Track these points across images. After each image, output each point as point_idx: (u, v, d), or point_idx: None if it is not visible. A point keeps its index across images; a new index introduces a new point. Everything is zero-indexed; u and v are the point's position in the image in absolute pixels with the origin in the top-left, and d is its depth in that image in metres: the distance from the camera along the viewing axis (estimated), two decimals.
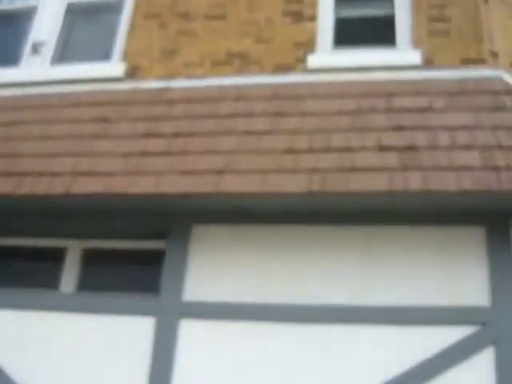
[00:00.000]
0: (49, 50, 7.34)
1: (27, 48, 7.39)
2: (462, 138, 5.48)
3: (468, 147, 5.39)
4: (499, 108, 5.73)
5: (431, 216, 5.44)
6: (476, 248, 5.38)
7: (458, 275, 5.32)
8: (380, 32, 6.80)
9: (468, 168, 5.22)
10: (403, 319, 5.25)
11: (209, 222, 5.79)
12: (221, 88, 6.44)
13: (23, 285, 6.10)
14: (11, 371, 5.60)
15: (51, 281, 6.09)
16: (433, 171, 5.24)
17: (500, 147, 5.34)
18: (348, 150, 5.54)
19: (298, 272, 5.51)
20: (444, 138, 5.49)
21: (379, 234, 5.53)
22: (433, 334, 5.16)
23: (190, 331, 5.48)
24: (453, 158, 5.32)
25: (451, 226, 5.44)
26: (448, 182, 5.14)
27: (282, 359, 5.30)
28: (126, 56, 7.01)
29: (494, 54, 6.25)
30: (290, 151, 5.62)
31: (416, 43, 6.52)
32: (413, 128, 5.65)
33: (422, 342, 5.15)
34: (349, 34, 6.85)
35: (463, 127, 5.58)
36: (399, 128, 5.67)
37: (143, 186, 5.59)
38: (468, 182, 5.12)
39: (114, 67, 6.97)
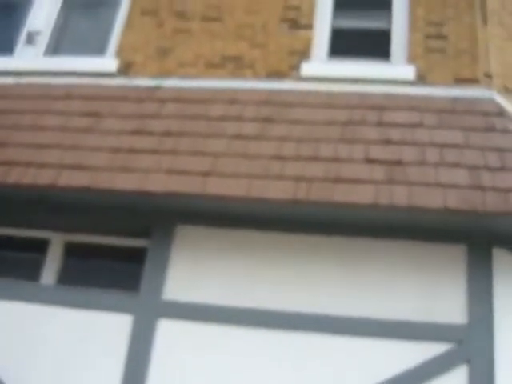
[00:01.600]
0: (43, 41, 7.34)
1: (22, 37, 7.37)
2: (450, 156, 5.50)
3: (455, 165, 5.41)
4: (489, 129, 5.75)
5: (414, 231, 5.45)
6: (456, 266, 5.39)
7: (436, 292, 5.34)
8: (375, 45, 6.80)
9: (454, 186, 5.23)
10: (379, 332, 5.25)
11: (193, 223, 5.78)
12: (213, 90, 6.43)
13: (3, 275, 6.05)
14: None
15: (32, 272, 6.08)
16: (419, 187, 5.25)
17: (487, 168, 5.36)
18: (335, 160, 5.55)
19: (278, 279, 5.51)
20: (432, 155, 5.50)
21: (361, 246, 5.53)
22: (408, 349, 5.18)
23: (167, 331, 5.48)
24: (440, 175, 5.33)
25: (433, 242, 5.45)
26: (433, 199, 5.15)
27: (259, 364, 5.31)
28: (120, 52, 6.99)
29: (488, 75, 6.27)
30: (277, 158, 5.63)
31: (410, 59, 6.52)
32: (402, 143, 5.66)
33: (397, 357, 5.16)
34: (344, 44, 6.86)
35: (452, 145, 5.60)
36: (388, 142, 5.68)
37: (129, 182, 5.59)
38: (453, 201, 5.13)
39: (108, 62, 6.96)
